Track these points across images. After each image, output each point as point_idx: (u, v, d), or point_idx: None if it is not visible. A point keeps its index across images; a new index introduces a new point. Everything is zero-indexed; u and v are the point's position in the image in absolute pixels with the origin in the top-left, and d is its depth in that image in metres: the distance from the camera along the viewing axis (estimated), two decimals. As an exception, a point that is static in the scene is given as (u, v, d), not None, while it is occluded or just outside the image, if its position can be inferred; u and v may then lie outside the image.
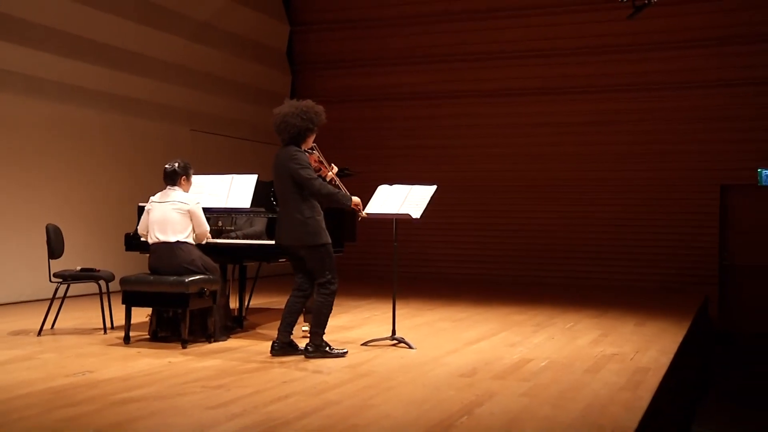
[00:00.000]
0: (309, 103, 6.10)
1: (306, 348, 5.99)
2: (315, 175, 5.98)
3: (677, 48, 12.84)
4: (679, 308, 9.77)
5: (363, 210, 6.41)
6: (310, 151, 6.13)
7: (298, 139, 6.03)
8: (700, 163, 12.77)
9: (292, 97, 12.85)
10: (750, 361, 10.33)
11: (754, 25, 12.42)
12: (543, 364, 5.96)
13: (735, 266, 12.67)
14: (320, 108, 6.12)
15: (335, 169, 6.44)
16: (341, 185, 6.42)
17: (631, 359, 6.20)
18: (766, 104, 12.39)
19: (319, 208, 6.01)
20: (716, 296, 12.45)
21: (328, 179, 6.30)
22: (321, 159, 6.25)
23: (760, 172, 12.41)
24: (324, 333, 6.05)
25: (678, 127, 12.89)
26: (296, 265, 6.16)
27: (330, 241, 6.02)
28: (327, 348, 6.01)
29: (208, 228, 6.67)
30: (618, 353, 6.47)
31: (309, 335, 6.06)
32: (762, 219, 12.57)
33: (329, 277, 6.00)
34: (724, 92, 12.65)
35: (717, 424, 6.91)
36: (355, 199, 6.20)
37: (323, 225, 5.98)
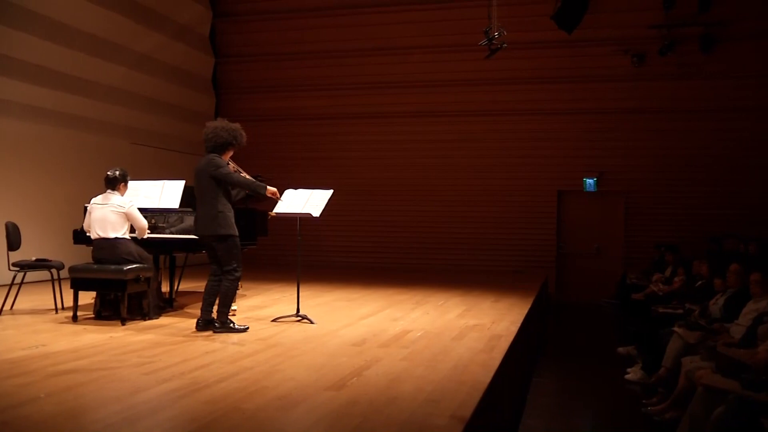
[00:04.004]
0: (238, 125, 6.11)
1: (214, 324, 5.90)
2: (231, 171, 5.92)
3: (523, 83, 13.23)
4: (526, 287, 10.00)
5: (279, 197, 6.28)
6: (227, 162, 6.03)
7: (220, 149, 5.96)
8: (542, 173, 13.21)
9: (215, 117, 12.67)
10: (577, 324, 10.73)
11: (581, 69, 12.93)
12: (419, 334, 6.01)
13: (567, 253, 13.18)
14: (244, 133, 6.12)
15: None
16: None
17: (488, 328, 6.32)
18: (590, 129, 12.95)
19: (230, 206, 5.91)
20: (554, 276, 12.91)
21: None
22: (238, 169, 6.14)
23: (585, 180, 12.98)
24: (229, 312, 5.96)
25: (525, 145, 13.29)
26: (210, 254, 6.04)
27: (237, 234, 5.91)
28: (231, 324, 5.91)
29: (146, 223, 6.54)
30: (478, 324, 6.58)
31: (216, 314, 5.94)
32: (586, 217, 13.14)
33: (234, 265, 5.91)
34: (559, 119, 13.13)
35: (552, 373, 7.13)
36: (271, 188, 6.12)
37: (232, 221, 5.89)
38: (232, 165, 6.07)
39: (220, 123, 6.04)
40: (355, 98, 14.08)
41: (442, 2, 13.38)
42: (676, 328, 5.80)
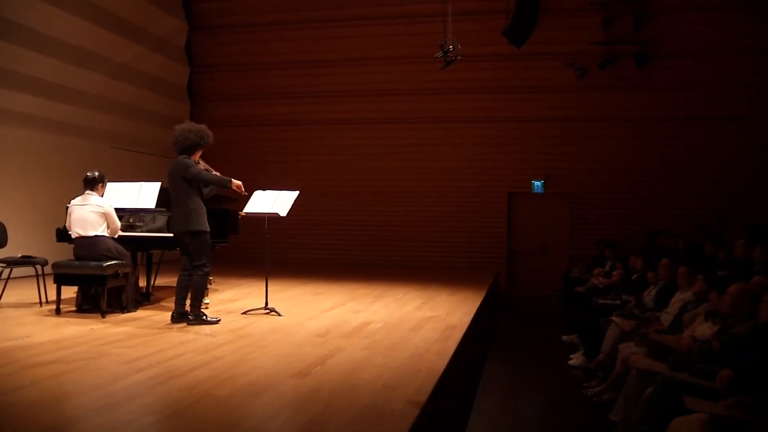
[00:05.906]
0: (204, 126, 6.09)
1: (188, 317, 5.88)
2: (201, 170, 5.89)
3: (476, 92, 13.35)
4: (478, 281, 10.14)
5: (243, 191, 6.21)
6: (196, 162, 6.01)
7: (189, 151, 5.94)
8: (494, 175, 13.35)
9: (189, 122, 12.57)
10: (526, 315, 10.85)
11: (530, 80, 13.10)
12: (379, 325, 6.06)
13: (517, 250, 13.35)
14: (210, 132, 6.09)
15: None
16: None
17: (444, 319, 6.40)
18: (538, 135, 13.12)
19: (202, 204, 5.89)
20: (505, 272, 13.07)
21: None
22: (208, 168, 6.12)
23: (533, 183, 13.16)
24: (201, 305, 5.95)
25: (478, 150, 13.42)
26: (183, 249, 6.04)
27: (209, 230, 5.90)
28: (204, 317, 5.91)
29: (119, 225, 6.53)
30: (434, 315, 6.66)
31: (190, 307, 5.92)
32: (534, 217, 13.32)
33: (204, 261, 5.91)
34: (509, 126, 13.27)
35: (502, 360, 7.22)
36: (236, 181, 6.08)
37: (204, 218, 5.88)
38: (202, 164, 6.06)
39: (187, 125, 6.00)
40: (320, 105, 14.07)
41: (401, 18, 13.44)
42: (613, 318, 5.94)
